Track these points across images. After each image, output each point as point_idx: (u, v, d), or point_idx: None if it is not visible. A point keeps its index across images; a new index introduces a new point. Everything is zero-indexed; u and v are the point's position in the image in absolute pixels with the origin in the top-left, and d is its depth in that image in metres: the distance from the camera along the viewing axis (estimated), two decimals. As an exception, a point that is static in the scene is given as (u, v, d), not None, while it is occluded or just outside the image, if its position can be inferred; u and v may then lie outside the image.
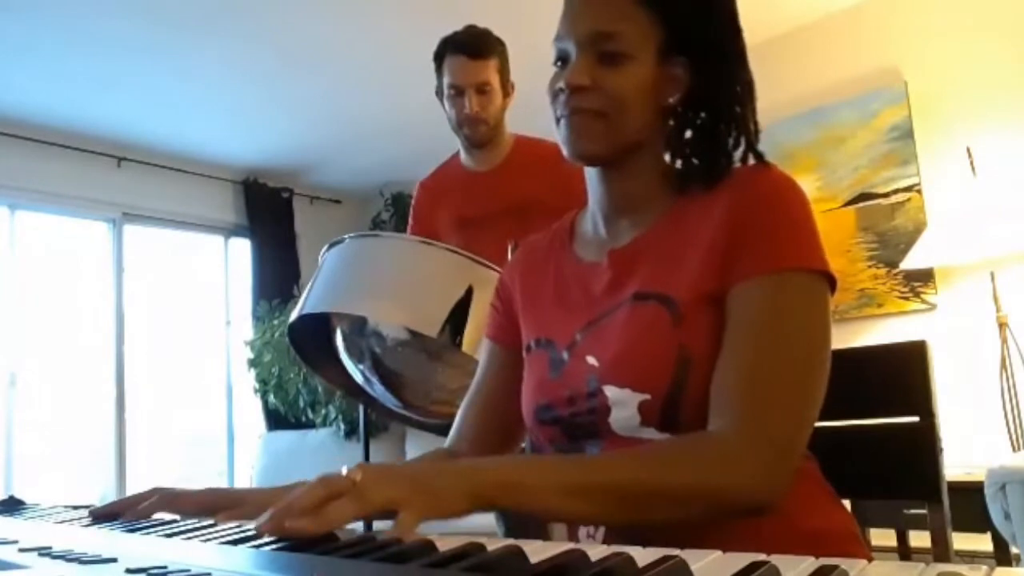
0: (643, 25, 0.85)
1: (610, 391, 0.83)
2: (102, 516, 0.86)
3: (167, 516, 0.85)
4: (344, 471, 0.65)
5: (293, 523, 0.60)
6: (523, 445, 1.13)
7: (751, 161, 0.89)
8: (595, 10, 0.87)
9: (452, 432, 1.04)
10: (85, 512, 0.92)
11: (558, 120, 0.89)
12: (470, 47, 1.98)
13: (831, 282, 0.81)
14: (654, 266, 0.87)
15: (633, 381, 0.81)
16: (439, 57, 2.03)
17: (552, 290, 0.97)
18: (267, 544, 0.61)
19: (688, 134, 0.90)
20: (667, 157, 0.92)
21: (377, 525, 0.72)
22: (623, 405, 0.82)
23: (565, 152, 0.90)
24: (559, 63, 0.90)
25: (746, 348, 0.78)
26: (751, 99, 0.90)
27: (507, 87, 2.05)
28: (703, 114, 0.89)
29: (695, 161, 0.89)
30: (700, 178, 0.88)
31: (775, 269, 0.79)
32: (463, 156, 2.18)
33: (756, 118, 0.90)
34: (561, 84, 0.87)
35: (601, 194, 0.94)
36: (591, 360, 0.87)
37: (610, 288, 0.90)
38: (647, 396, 0.80)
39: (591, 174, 0.94)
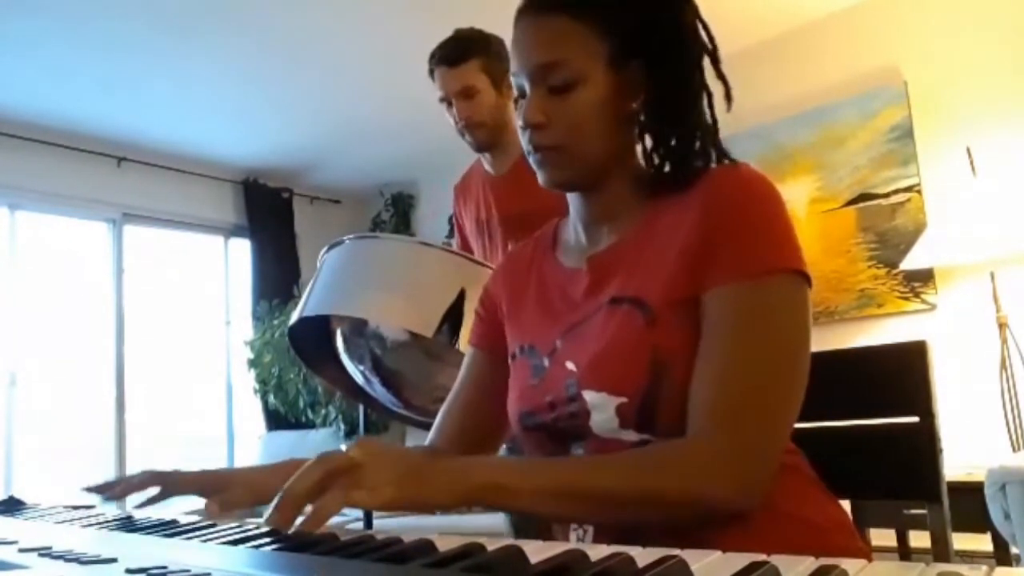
0: (588, 41, 0.85)
1: (588, 395, 0.83)
2: (95, 489, 0.89)
3: (166, 516, 0.85)
4: (343, 448, 0.68)
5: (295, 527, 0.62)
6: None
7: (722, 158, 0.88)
8: (537, 41, 0.87)
9: (432, 432, 1.06)
10: (85, 512, 0.92)
11: (527, 153, 0.90)
12: (446, 57, 1.96)
13: (807, 280, 0.81)
14: (630, 270, 0.87)
15: (609, 384, 0.82)
16: (431, 73, 2.01)
17: (535, 297, 0.98)
18: (266, 544, 0.61)
19: (656, 135, 0.89)
20: (641, 161, 0.92)
21: (377, 524, 0.73)
22: (601, 408, 0.82)
23: (540, 182, 0.91)
24: (521, 97, 0.90)
25: (722, 354, 0.78)
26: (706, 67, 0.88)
27: (501, 84, 1.98)
28: (668, 111, 0.88)
29: (667, 166, 0.89)
30: (672, 182, 0.87)
31: (750, 273, 0.79)
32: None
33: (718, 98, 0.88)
34: (520, 121, 0.88)
35: (579, 205, 0.95)
36: (570, 365, 0.87)
37: (588, 293, 0.91)
38: (624, 399, 0.81)
39: None
